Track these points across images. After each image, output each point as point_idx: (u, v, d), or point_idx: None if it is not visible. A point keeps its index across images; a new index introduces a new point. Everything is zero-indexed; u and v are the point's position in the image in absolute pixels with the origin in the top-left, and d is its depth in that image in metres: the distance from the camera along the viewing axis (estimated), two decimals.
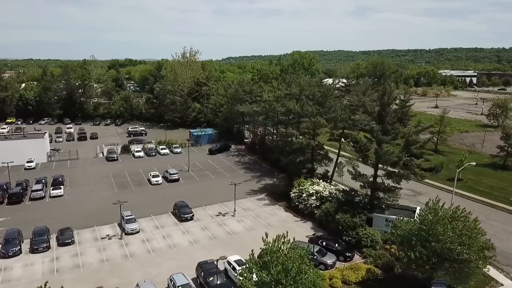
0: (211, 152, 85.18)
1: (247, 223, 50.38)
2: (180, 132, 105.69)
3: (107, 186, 65.08)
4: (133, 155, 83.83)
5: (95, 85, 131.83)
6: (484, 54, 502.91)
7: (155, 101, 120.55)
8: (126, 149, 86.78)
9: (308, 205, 50.50)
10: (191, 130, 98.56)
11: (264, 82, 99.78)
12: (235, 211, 52.63)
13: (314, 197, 50.54)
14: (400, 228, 33.92)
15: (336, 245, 41.35)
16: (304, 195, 51.31)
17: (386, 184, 45.25)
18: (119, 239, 46.16)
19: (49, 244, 43.58)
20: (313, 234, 41.15)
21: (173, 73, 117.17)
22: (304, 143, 53.12)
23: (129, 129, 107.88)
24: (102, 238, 46.43)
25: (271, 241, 27.83)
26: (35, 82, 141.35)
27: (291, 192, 53.16)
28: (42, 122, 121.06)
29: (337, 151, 60.26)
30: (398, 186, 45.01)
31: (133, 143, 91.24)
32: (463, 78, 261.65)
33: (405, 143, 44.71)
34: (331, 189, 51.77)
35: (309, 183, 53.35)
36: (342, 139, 56.68)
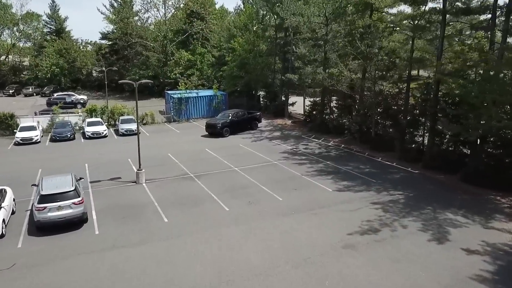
0: (214, 130, 33.81)
1: None
2: (153, 103, 54.11)
3: None
4: (16, 138, 32.82)
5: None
6: None
7: (111, 53, 67.92)
8: (5, 126, 35.63)
9: None
10: (169, 92, 46.93)
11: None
12: None
13: None
14: None
15: None
16: None
17: None
18: None
19: None
20: None
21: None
22: None
23: (54, 96, 56.03)
24: None
25: None
26: None
27: None
28: None
29: None
30: None
31: (35, 114, 39.93)
32: None
33: None
34: None
35: None
36: None
